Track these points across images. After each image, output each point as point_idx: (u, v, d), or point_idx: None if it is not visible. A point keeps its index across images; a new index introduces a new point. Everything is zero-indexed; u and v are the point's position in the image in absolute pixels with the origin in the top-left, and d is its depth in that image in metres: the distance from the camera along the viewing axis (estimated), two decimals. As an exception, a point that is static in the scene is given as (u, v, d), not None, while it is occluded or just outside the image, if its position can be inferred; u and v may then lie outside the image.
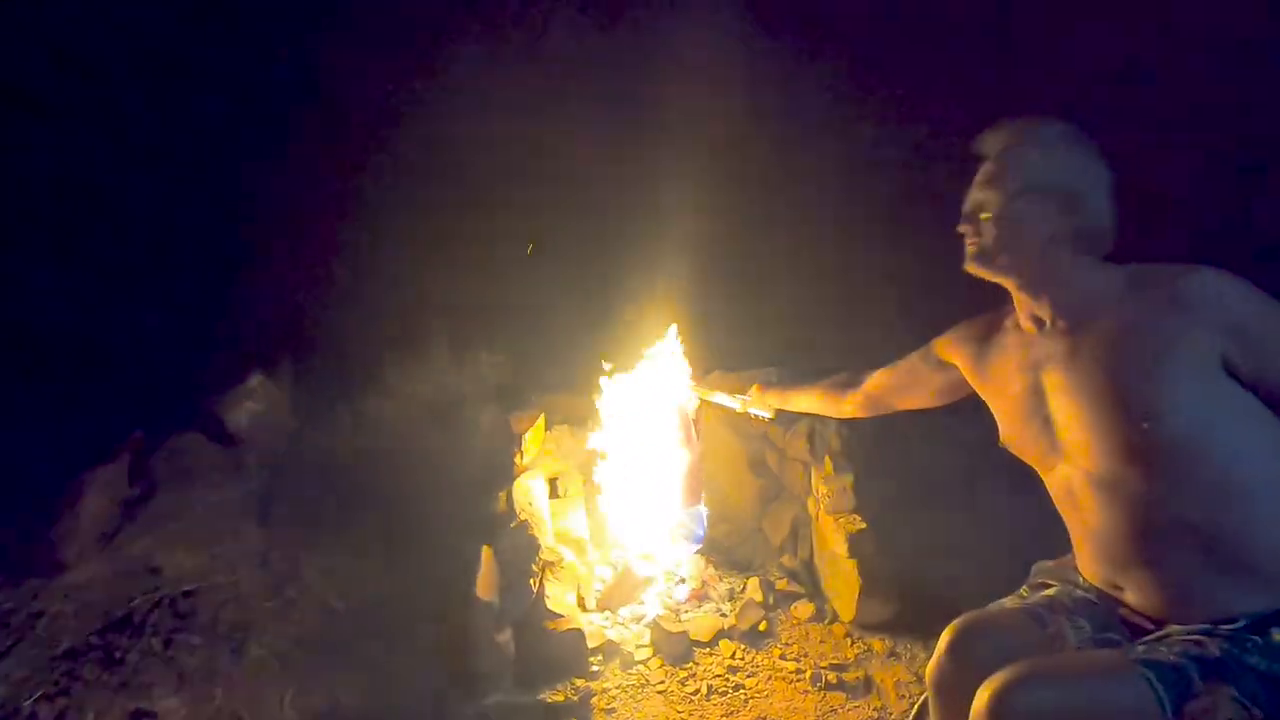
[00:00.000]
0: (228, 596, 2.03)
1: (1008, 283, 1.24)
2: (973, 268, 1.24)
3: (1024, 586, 1.34)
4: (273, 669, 1.86)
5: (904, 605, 2.09)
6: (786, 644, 2.07)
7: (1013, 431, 1.28)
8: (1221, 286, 1.07)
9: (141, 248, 3.05)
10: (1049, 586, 1.29)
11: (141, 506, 2.32)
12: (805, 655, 2.03)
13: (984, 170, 1.24)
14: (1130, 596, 1.16)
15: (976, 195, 1.23)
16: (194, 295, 3.03)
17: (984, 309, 1.38)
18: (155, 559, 2.12)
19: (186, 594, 2.01)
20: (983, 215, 1.22)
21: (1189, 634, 1.07)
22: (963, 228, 1.25)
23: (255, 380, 2.69)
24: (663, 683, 1.95)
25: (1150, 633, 1.12)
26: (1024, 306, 1.25)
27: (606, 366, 2.38)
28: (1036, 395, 1.22)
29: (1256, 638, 1.02)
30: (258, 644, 1.91)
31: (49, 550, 2.08)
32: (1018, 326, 1.28)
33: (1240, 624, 1.04)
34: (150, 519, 2.28)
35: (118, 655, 1.82)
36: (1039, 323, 1.23)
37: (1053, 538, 1.33)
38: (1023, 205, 1.18)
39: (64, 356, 2.71)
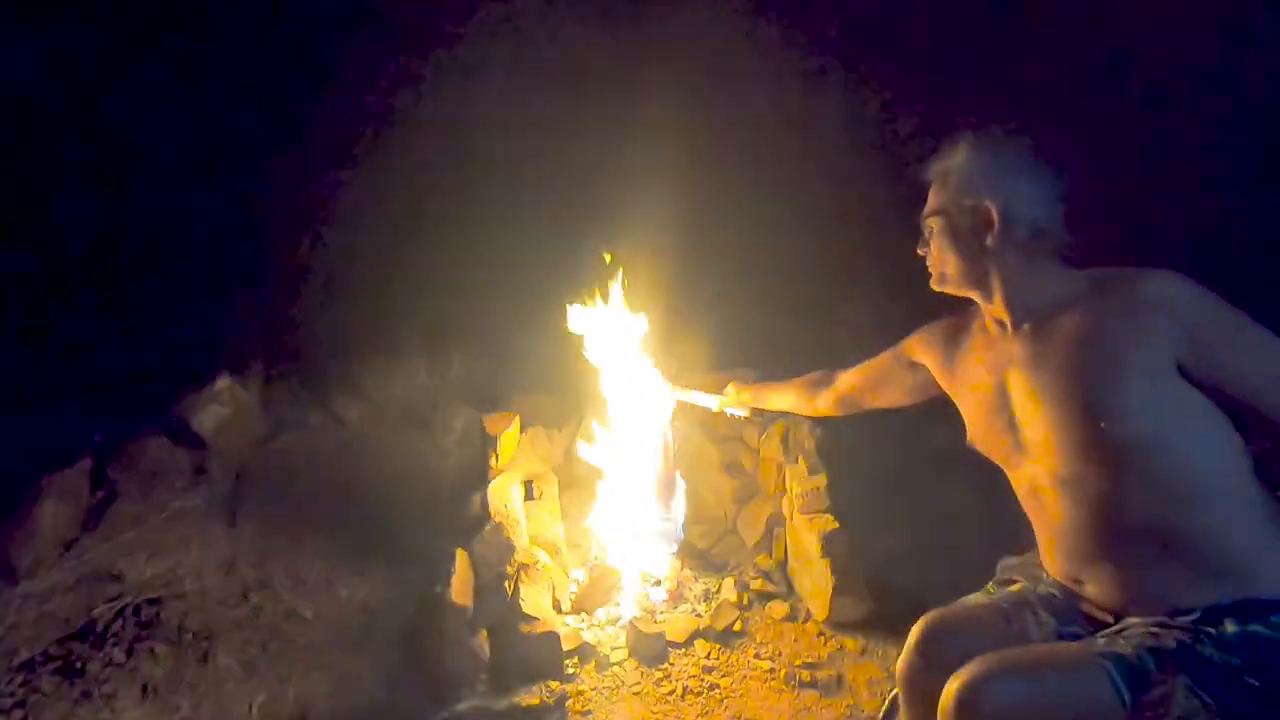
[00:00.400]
0: (193, 604, 1.99)
1: (969, 295, 1.29)
2: (935, 287, 1.33)
3: (990, 582, 1.37)
4: (239, 677, 1.82)
5: (876, 604, 2.12)
6: (761, 643, 2.09)
7: (979, 431, 1.31)
8: (1175, 289, 1.11)
9: (105, 246, 2.98)
10: (1014, 582, 1.32)
11: (103, 512, 2.26)
12: (780, 654, 2.04)
13: (929, 194, 1.31)
14: (1091, 590, 1.19)
15: (924, 220, 1.31)
16: (159, 295, 2.96)
17: (953, 310, 1.42)
18: (117, 566, 2.07)
19: (150, 601, 1.96)
20: (930, 237, 1.30)
21: (1147, 626, 1.10)
22: (920, 251, 1.33)
23: (223, 382, 2.64)
24: (638, 684, 1.96)
25: (1110, 625, 1.15)
26: (988, 311, 1.29)
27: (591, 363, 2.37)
28: (1001, 396, 1.25)
29: (1210, 629, 1.06)
30: (224, 652, 1.87)
31: (5, 558, 2.01)
32: (984, 328, 1.31)
33: (1195, 616, 1.07)
34: (112, 525, 2.22)
35: (78, 665, 1.77)
36: (1003, 325, 1.26)
37: (1019, 535, 1.36)
38: (954, 221, 1.25)
39: (20, 355, 2.63)
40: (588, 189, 3.16)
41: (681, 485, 2.41)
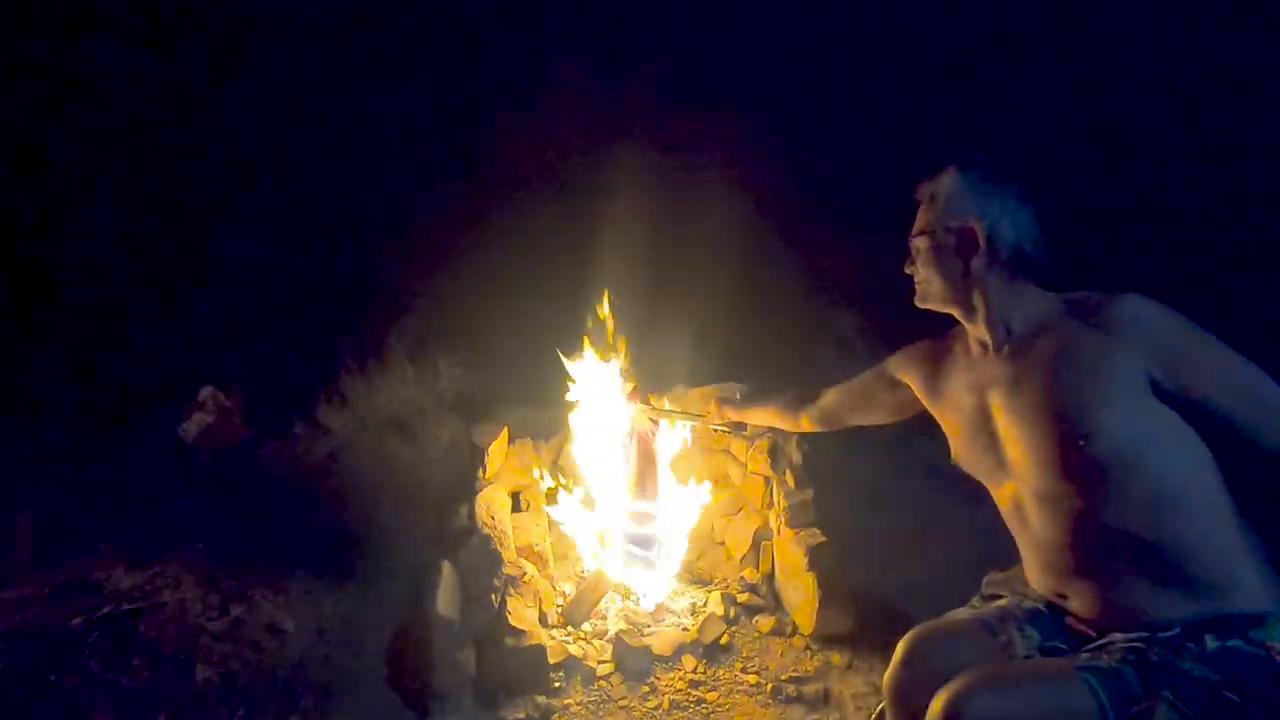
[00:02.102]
0: (171, 616, 1.95)
1: (951, 313, 1.32)
2: (919, 304, 1.35)
3: (976, 597, 1.38)
4: (219, 692, 1.79)
5: (862, 618, 2.13)
6: (748, 658, 2.09)
7: (962, 450, 1.33)
8: (1146, 311, 1.15)
9: (83, 252, 2.94)
10: (1000, 597, 1.33)
11: (80, 521, 2.22)
12: (766, 669, 2.04)
13: (918, 214, 1.34)
14: (1075, 605, 1.21)
15: (911, 239, 1.34)
16: (142, 303, 2.93)
17: (937, 327, 1.44)
18: (94, 577, 2.03)
19: (128, 613, 1.92)
20: (916, 256, 1.33)
21: (1129, 641, 1.11)
22: (908, 269, 1.36)
23: (206, 392, 2.61)
24: (625, 698, 1.94)
25: (1094, 640, 1.17)
26: (970, 330, 1.31)
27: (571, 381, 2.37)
28: (983, 415, 1.28)
29: (1191, 644, 1.08)
30: (203, 665, 1.84)
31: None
32: (967, 349, 1.33)
33: (1176, 631, 1.09)
34: (89, 534, 2.18)
35: (53, 679, 1.73)
36: (984, 346, 1.29)
37: (1003, 550, 1.38)
38: (940, 241, 1.28)
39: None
40: (583, 202, 3.18)
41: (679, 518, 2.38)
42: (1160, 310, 1.15)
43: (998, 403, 1.25)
